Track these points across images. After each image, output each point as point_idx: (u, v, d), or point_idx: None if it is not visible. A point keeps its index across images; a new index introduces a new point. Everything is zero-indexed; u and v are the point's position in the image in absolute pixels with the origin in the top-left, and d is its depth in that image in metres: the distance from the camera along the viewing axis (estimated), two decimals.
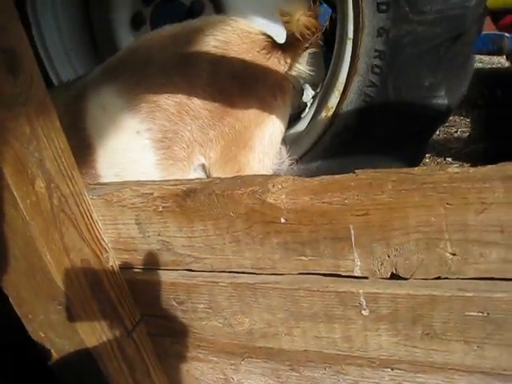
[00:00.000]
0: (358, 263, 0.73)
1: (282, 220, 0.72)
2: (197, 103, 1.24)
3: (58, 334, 0.86)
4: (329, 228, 0.71)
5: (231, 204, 0.74)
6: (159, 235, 0.84)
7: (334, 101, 1.59)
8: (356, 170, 0.70)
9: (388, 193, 0.66)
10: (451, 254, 0.69)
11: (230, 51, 1.24)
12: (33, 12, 2.04)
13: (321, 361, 0.86)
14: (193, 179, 0.86)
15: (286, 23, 1.19)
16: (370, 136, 1.56)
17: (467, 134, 2.80)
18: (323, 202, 0.69)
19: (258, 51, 1.23)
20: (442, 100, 1.46)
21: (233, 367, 0.95)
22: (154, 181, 0.86)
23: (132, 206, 0.84)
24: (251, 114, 1.25)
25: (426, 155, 2.55)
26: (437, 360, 0.78)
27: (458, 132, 2.82)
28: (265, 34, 1.29)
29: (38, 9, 2.05)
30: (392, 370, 0.83)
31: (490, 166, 0.65)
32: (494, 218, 0.64)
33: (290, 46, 1.26)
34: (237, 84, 1.25)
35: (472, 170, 0.65)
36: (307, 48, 1.26)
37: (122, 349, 0.93)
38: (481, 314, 0.71)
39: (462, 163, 2.46)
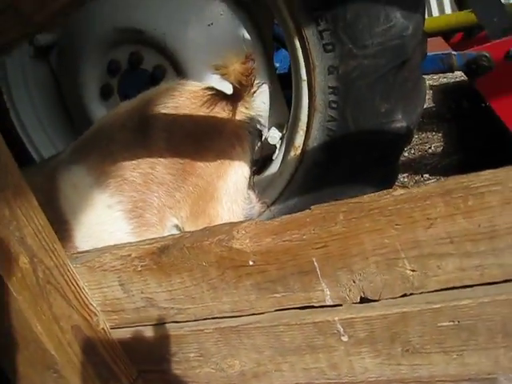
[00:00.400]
0: (328, 292, 0.76)
1: (250, 262, 0.77)
2: (159, 170, 1.31)
3: None
4: (293, 264, 0.75)
5: (202, 254, 0.79)
6: (142, 293, 0.88)
7: (299, 140, 1.65)
8: (312, 206, 0.75)
9: (341, 223, 0.71)
10: (411, 270, 0.72)
11: (180, 114, 1.31)
12: (9, 98, 2.18)
13: None
14: (166, 236, 0.91)
15: (223, 75, 1.23)
16: (338, 167, 1.61)
17: (441, 148, 2.85)
18: (284, 241, 0.74)
19: (207, 107, 1.30)
20: (400, 123, 1.53)
21: None
22: (131, 242, 0.91)
23: (113, 268, 0.88)
24: (212, 168, 1.31)
25: (404, 174, 2.60)
26: (422, 374, 0.80)
27: (432, 148, 2.88)
28: (212, 89, 1.34)
29: (14, 94, 2.20)
30: None
31: (430, 184, 0.70)
32: (441, 231, 0.69)
33: (237, 95, 1.31)
34: (192, 143, 1.31)
35: (415, 190, 0.70)
36: (253, 92, 1.32)
37: None
38: (452, 322, 0.73)
39: (439, 177, 2.49)
